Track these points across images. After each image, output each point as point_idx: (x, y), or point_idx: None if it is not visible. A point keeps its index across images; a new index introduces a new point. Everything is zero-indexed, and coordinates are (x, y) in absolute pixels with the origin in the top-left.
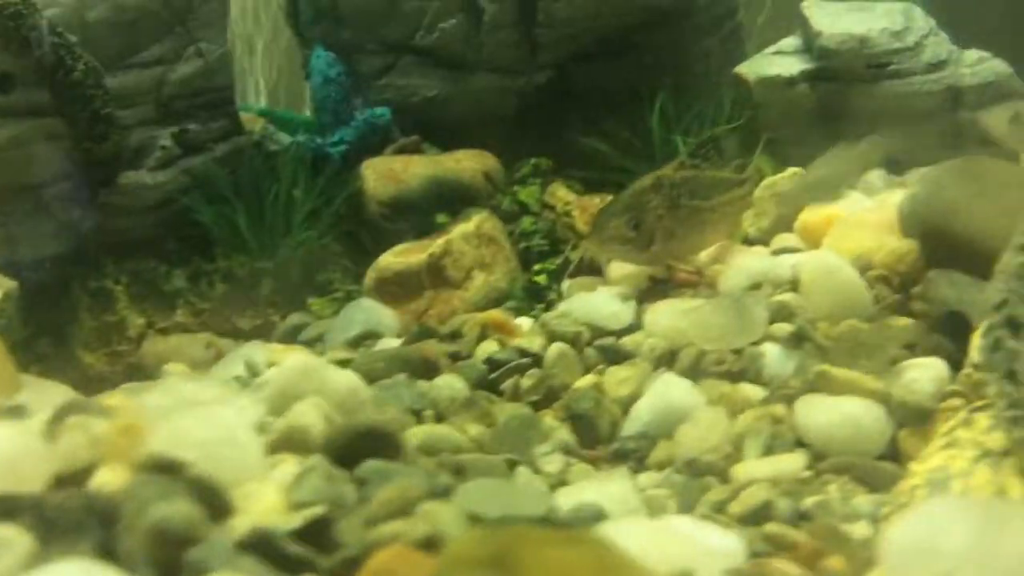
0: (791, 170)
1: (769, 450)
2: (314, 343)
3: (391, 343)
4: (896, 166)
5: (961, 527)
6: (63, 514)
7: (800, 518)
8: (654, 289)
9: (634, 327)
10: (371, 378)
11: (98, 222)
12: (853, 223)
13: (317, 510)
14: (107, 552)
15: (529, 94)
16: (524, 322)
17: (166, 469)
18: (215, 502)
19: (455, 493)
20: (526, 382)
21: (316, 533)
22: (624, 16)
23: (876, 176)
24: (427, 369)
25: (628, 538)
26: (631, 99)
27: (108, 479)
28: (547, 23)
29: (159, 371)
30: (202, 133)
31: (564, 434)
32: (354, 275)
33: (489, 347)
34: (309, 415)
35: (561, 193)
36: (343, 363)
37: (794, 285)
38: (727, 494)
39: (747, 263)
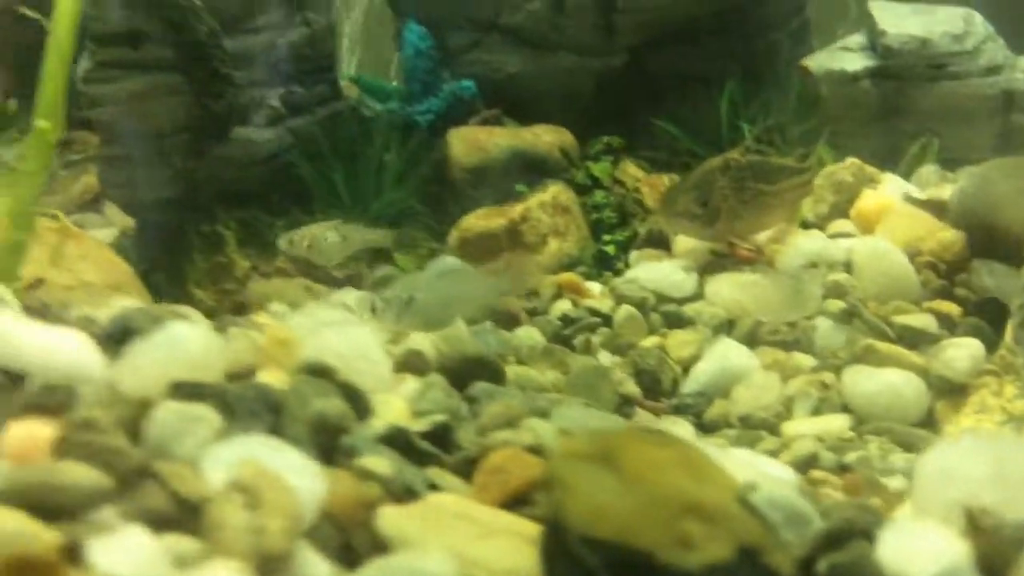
0: (849, 160)
1: (816, 412)
2: None
3: None
4: (949, 163)
5: (983, 457)
6: (241, 401)
7: (842, 469)
8: (715, 263)
9: (696, 296)
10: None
11: (211, 172)
12: (904, 213)
13: (440, 417)
14: (277, 435)
15: (605, 75)
16: (593, 286)
17: (319, 373)
18: (359, 403)
19: (551, 414)
20: (597, 339)
21: (439, 437)
22: (698, 5)
23: (929, 171)
24: (509, 321)
25: None
26: (700, 85)
27: (270, 379)
28: (625, 8)
29: (261, 309)
30: (306, 96)
31: (630, 387)
32: (436, 234)
33: (563, 306)
34: (423, 343)
35: (632, 170)
36: None
37: (847, 267)
38: (777, 445)
39: (804, 244)
